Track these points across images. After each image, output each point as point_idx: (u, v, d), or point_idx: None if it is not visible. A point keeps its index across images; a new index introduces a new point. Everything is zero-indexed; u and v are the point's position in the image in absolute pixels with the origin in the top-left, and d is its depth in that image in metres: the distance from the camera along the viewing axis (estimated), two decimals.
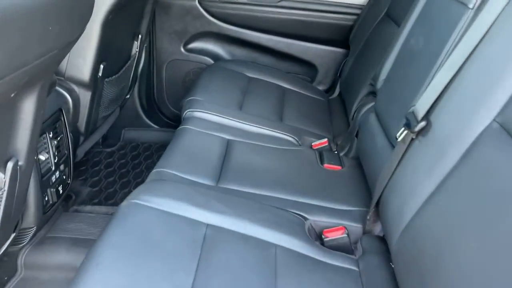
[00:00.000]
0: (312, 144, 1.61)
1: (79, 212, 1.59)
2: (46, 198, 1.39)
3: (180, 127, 1.52)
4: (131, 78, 2.09)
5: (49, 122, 1.37)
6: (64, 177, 1.51)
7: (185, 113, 1.61)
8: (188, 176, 1.22)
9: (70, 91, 1.51)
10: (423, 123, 0.98)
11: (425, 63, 1.11)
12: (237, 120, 1.61)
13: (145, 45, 2.20)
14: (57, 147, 1.43)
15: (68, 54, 1.47)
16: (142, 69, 2.26)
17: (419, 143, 1.00)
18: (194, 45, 2.28)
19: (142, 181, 2.00)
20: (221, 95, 1.76)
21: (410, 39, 1.28)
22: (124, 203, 1.04)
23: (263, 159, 1.40)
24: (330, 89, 2.25)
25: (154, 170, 1.24)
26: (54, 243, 1.43)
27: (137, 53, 2.04)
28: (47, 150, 1.36)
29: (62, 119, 1.46)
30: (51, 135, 1.37)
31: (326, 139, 1.60)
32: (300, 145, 1.60)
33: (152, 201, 1.04)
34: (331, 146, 1.61)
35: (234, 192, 1.19)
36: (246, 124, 1.60)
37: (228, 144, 1.46)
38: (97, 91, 1.62)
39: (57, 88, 1.48)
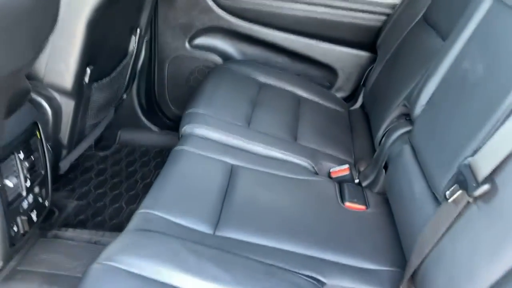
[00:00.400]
0: (331, 171, 1.38)
1: (59, 238, 1.38)
2: (15, 228, 1.18)
3: (176, 147, 1.29)
4: (128, 76, 1.85)
5: (20, 140, 1.15)
6: (41, 199, 1.29)
7: (184, 128, 1.38)
8: (180, 220, 1.00)
9: (50, 100, 1.29)
10: (486, 187, 0.74)
11: (487, 100, 0.86)
12: (244, 140, 1.37)
13: (146, 39, 1.96)
14: (31, 168, 1.21)
15: (47, 56, 1.24)
16: (142, 66, 2.02)
17: (479, 212, 0.76)
18: (201, 40, 2.03)
19: (135, 195, 1.80)
20: (227, 107, 1.52)
21: (463, 61, 1.03)
22: (95, 265, 0.82)
23: (271, 195, 1.17)
24: (350, 97, 1.99)
25: (139, 211, 1.02)
26: (24, 279, 1.23)
27: (135, 48, 1.80)
28: (16, 174, 1.15)
29: (38, 134, 1.24)
30: (21, 155, 1.16)
31: (347, 166, 1.37)
32: (316, 172, 1.36)
33: (131, 264, 0.82)
34: (353, 174, 1.38)
35: (235, 245, 0.96)
36: (254, 145, 1.37)
37: (232, 172, 1.23)
38: (83, 98, 1.39)
39: (34, 96, 1.25)
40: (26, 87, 1.16)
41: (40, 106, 1.27)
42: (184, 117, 1.44)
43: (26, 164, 1.16)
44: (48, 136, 1.32)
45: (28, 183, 1.20)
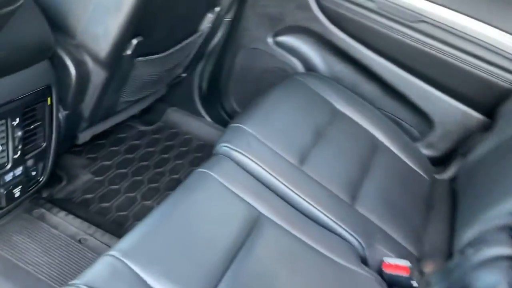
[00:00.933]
0: (385, 261, 1.04)
1: (43, 221, 1.17)
2: None
3: (201, 168, 1.02)
4: (192, 56, 1.61)
5: (17, 105, 0.93)
6: (35, 173, 1.08)
7: (220, 145, 1.10)
8: (155, 285, 0.72)
9: (78, 63, 1.06)
10: None
11: None
12: (288, 184, 1.07)
13: (227, 19, 1.69)
14: (27, 138, 1.00)
15: (89, 11, 1.00)
16: (213, 48, 1.76)
17: None
18: (286, 39, 1.72)
19: (155, 190, 1.53)
20: (283, 132, 1.22)
21: None
22: None
23: (294, 278, 0.86)
24: (440, 161, 1.60)
25: (107, 254, 0.75)
26: None
27: (210, 28, 1.54)
28: (2, 142, 0.93)
29: (49, 100, 1.02)
30: (16, 122, 0.94)
31: (407, 265, 1.02)
32: (365, 257, 1.03)
33: None
34: (412, 275, 1.03)
35: None
36: (299, 194, 1.06)
37: (256, 224, 0.94)
38: (119, 72, 1.16)
39: (60, 53, 1.03)
40: (44, 40, 0.93)
41: (64, 67, 1.04)
42: (226, 130, 1.16)
43: (19, 133, 0.95)
44: (66, 103, 1.10)
45: (19, 155, 0.98)
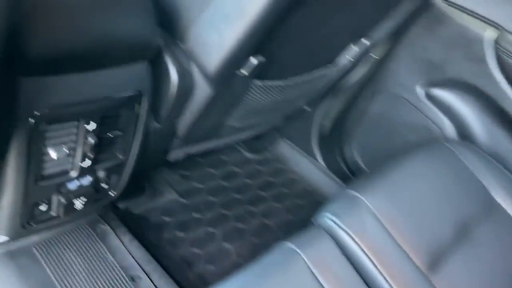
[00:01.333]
0: None
1: (103, 240, 1.01)
2: (43, 207, 0.84)
3: (290, 243, 0.75)
4: (320, 89, 1.36)
5: (95, 108, 0.77)
6: (106, 187, 0.93)
7: (323, 214, 0.82)
8: None
9: (184, 72, 0.88)
10: None
11: None
12: None
13: (373, 56, 1.41)
14: (101, 146, 0.84)
15: (206, 15, 0.82)
16: (347, 84, 1.49)
17: None
18: (442, 93, 1.37)
19: (238, 233, 1.25)
20: (416, 217, 0.89)
21: None
22: None
23: None
24: None
25: None
26: (21, 266, 0.90)
27: (350, 61, 1.28)
28: (70, 146, 0.78)
29: (136, 108, 0.85)
30: (90, 126, 0.78)
31: None
32: None
33: None
34: None
35: None
36: None
37: None
38: (228, 92, 0.95)
39: (165, 57, 0.85)
40: (145, 37, 0.77)
41: (166, 74, 0.87)
42: (337, 196, 0.88)
43: (92, 139, 0.79)
44: (160, 116, 0.93)
45: (88, 163, 0.83)
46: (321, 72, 1.20)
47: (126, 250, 1.01)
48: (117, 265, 0.96)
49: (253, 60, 0.88)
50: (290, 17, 0.85)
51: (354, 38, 1.22)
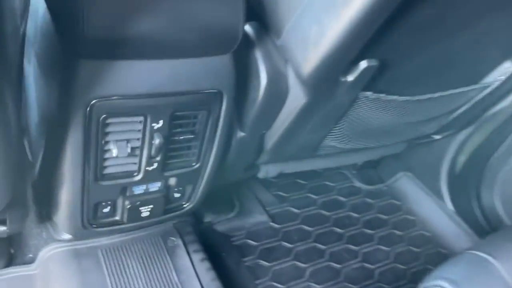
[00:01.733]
0: None
1: (172, 255, 0.90)
2: (106, 210, 0.77)
3: None
4: (455, 114, 1.10)
5: (163, 102, 0.67)
6: (178, 196, 0.83)
7: (437, 282, 0.59)
8: None
9: (276, 74, 0.73)
10: None
11: None
12: None
13: None
14: (171, 149, 0.73)
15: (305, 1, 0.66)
16: (495, 112, 1.19)
17: None
18: None
19: (328, 275, 1.06)
20: None
21: None
22: None
23: None
24: None
25: None
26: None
27: (502, 83, 1.00)
28: (136, 144, 0.69)
29: (215, 113, 0.73)
30: (159, 124, 0.68)
31: None
32: None
33: None
34: None
35: None
36: None
37: None
38: (329, 103, 0.78)
39: (255, 53, 0.72)
40: (230, 24, 0.64)
41: (255, 74, 0.74)
42: (459, 257, 0.63)
43: (158, 139, 0.68)
44: (244, 123, 0.80)
45: (155, 167, 0.73)
46: (458, 92, 0.95)
47: (194, 271, 0.88)
48: (180, 287, 0.84)
49: (362, 64, 0.70)
50: (417, 14, 0.65)
51: (509, 53, 0.94)
